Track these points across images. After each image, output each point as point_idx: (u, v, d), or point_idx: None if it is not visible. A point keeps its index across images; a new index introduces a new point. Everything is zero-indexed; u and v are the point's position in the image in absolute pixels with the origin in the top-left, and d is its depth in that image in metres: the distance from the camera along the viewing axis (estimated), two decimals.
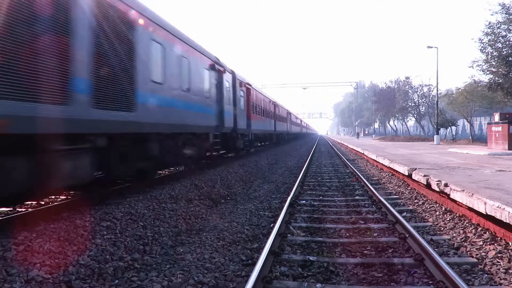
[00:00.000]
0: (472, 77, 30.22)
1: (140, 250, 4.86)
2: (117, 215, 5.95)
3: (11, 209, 6.51)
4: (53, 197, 7.45)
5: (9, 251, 4.08)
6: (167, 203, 7.32)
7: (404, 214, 6.75)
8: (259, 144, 26.12)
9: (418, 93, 51.85)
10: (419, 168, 9.73)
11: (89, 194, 7.28)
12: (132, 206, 6.62)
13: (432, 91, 47.17)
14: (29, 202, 6.96)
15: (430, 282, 3.81)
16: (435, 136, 31.45)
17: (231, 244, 5.16)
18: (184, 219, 6.53)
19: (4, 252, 4.06)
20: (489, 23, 23.61)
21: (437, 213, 6.75)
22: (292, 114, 49.77)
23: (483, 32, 24.03)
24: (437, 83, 33.31)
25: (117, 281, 3.92)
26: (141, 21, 7.60)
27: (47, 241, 4.52)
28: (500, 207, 4.91)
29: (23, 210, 6.41)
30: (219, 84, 13.68)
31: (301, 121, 69.07)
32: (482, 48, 24.40)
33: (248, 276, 3.76)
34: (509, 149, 17.92)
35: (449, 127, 39.42)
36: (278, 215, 6.35)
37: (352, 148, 27.86)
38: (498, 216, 4.92)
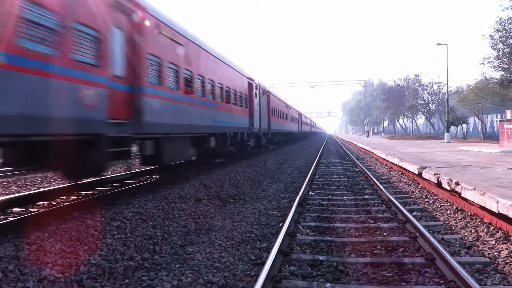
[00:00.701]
0: (483, 74, 29.86)
1: (150, 250, 4.89)
2: (127, 215, 6.00)
3: (24, 209, 6.61)
4: (64, 197, 7.54)
5: (22, 251, 4.15)
6: (176, 203, 7.36)
7: (415, 213, 6.69)
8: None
9: (428, 90, 51.29)
10: (429, 167, 9.62)
11: (99, 194, 7.35)
12: (142, 206, 6.67)
13: (442, 88, 46.66)
14: (41, 202, 7.06)
15: (441, 282, 3.76)
16: (445, 134, 31.12)
17: (240, 243, 5.17)
18: (193, 218, 6.56)
19: (17, 251, 4.13)
20: (500, 19, 23.27)
21: (448, 212, 6.67)
22: (276, 98, 27.21)
23: (494, 28, 23.72)
24: (447, 81, 32.95)
25: (127, 280, 3.96)
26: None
27: (58, 240, 4.58)
28: None
29: (35, 210, 6.50)
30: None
31: (299, 114, 45.76)
32: (493, 45, 24.08)
33: (257, 275, 3.76)
34: None
35: (460, 125, 38.93)
36: (287, 215, 6.35)
37: (361, 147, 27.68)
38: (511, 215, 4.84)
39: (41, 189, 8.32)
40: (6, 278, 3.58)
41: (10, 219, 5.66)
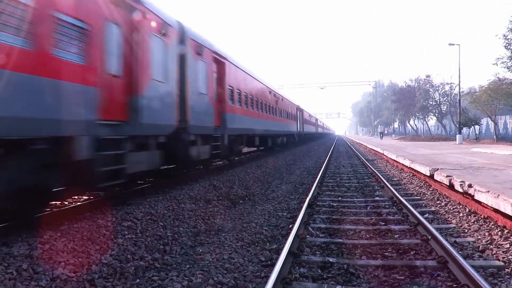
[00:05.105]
0: (496, 74, 29.45)
1: (161, 250, 4.92)
2: (137, 215, 6.05)
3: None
4: (76, 197, 7.63)
5: (35, 250, 4.21)
6: (186, 203, 7.40)
7: (426, 215, 6.61)
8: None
9: (439, 91, 50.73)
10: (441, 169, 9.50)
11: (110, 194, 7.43)
12: (152, 207, 6.72)
13: (454, 89, 46.08)
14: (53, 202, 7.16)
15: (454, 285, 3.71)
16: (457, 136, 30.70)
17: (250, 244, 5.17)
18: (203, 219, 6.59)
19: (30, 250, 4.19)
20: None
21: (461, 214, 6.58)
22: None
23: (507, 28, 23.36)
24: (459, 81, 32.47)
25: (138, 280, 3.99)
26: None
27: (71, 240, 4.64)
28: None
29: (48, 210, 6.58)
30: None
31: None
32: (507, 45, 23.75)
33: (267, 277, 3.75)
34: None
35: (472, 126, 38.37)
36: (296, 216, 6.33)
37: (371, 148, 27.48)
38: None
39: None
40: (20, 277, 3.64)
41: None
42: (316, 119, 60.25)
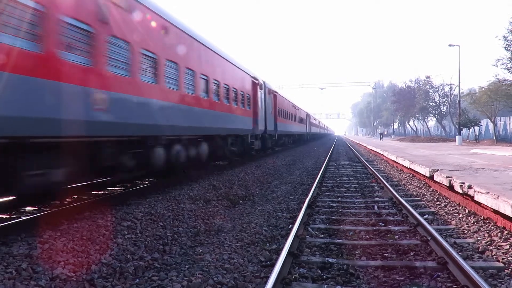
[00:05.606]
0: (496, 75, 29.46)
1: (160, 250, 4.92)
2: (137, 215, 6.04)
3: (36, 208, 6.70)
4: (75, 196, 7.63)
5: (35, 249, 4.20)
6: (186, 203, 7.39)
7: (426, 216, 6.61)
8: None
9: (439, 92, 50.74)
10: (441, 170, 9.50)
11: (110, 194, 7.43)
12: (152, 206, 6.71)
13: (454, 90, 46.09)
14: (53, 202, 7.15)
15: (454, 286, 3.71)
16: (457, 137, 30.68)
17: (250, 245, 5.17)
18: (202, 219, 6.58)
19: (30, 250, 4.19)
20: None
21: (460, 215, 6.58)
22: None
23: (507, 29, 23.38)
24: (459, 82, 32.43)
25: (138, 280, 3.98)
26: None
27: (70, 240, 4.63)
28: None
29: (48, 209, 6.58)
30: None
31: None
32: (507, 46, 23.75)
33: (267, 277, 3.75)
34: None
35: (472, 127, 38.38)
36: (296, 216, 6.33)
37: (371, 149, 27.48)
38: None
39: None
40: (19, 276, 3.63)
41: (23, 218, 5.74)
42: (308, 115, 43.79)
